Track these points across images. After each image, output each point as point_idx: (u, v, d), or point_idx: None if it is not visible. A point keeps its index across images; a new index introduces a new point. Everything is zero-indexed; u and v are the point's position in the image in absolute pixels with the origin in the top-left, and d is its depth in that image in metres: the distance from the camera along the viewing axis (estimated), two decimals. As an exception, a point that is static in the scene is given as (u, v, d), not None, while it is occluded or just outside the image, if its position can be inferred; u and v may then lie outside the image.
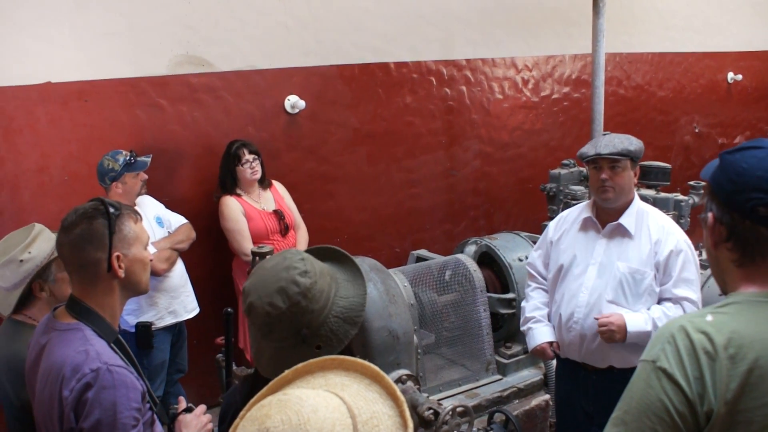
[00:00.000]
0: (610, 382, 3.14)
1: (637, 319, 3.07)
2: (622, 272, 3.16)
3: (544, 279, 3.52)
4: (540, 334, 3.40)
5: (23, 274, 2.56)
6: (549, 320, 3.44)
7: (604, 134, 3.40)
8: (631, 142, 3.19)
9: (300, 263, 1.85)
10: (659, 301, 3.16)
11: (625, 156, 3.15)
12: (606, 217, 3.27)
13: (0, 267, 2.59)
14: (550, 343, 3.37)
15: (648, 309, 3.13)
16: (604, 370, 3.23)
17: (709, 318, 1.51)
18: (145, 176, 4.28)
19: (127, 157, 4.14)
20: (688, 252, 3.16)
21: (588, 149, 3.23)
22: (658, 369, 1.50)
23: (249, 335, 2.01)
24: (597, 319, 3.10)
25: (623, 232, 3.22)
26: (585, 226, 3.33)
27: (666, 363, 1.49)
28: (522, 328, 3.55)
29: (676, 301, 3.12)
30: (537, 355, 3.54)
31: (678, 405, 1.46)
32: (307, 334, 1.80)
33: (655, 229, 3.19)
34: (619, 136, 3.25)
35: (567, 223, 3.43)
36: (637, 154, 3.18)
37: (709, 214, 1.60)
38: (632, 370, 3.28)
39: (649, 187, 4.90)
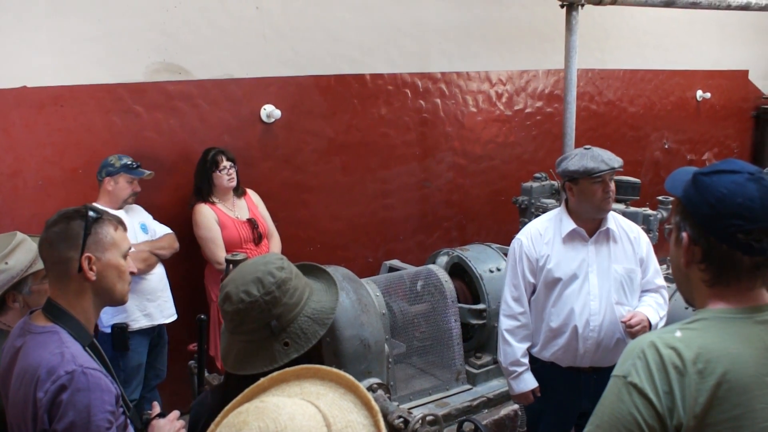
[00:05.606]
0: (607, 378, 3.27)
1: (651, 313, 3.26)
2: (620, 273, 3.32)
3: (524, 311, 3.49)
4: (529, 380, 3.44)
5: None
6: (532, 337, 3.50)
7: (587, 148, 3.37)
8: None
9: (278, 261, 1.93)
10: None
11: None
12: (585, 225, 3.35)
13: None
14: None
15: (639, 302, 3.35)
16: (604, 369, 3.28)
17: (678, 334, 1.54)
18: (138, 188, 4.39)
19: (131, 162, 4.31)
20: (650, 244, 3.45)
21: (592, 164, 3.22)
22: (629, 384, 1.52)
23: (221, 338, 2.03)
24: (624, 322, 3.22)
25: (607, 237, 3.35)
26: (571, 237, 3.36)
27: (636, 378, 1.51)
28: (508, 368, 3.50)
29: (656, 290, 3.36)
30: (519, 400, 3.57)
31: (648, 419, 1.48)
32: (276, 327, 1.85)
33: (628, 229, 3.40)
34: (602, 151, 3.33)
35: (545, 239, 3.42)
36: None
37: (684, 234, 1.60)
38: None
39: (619, 201, 4.99)
